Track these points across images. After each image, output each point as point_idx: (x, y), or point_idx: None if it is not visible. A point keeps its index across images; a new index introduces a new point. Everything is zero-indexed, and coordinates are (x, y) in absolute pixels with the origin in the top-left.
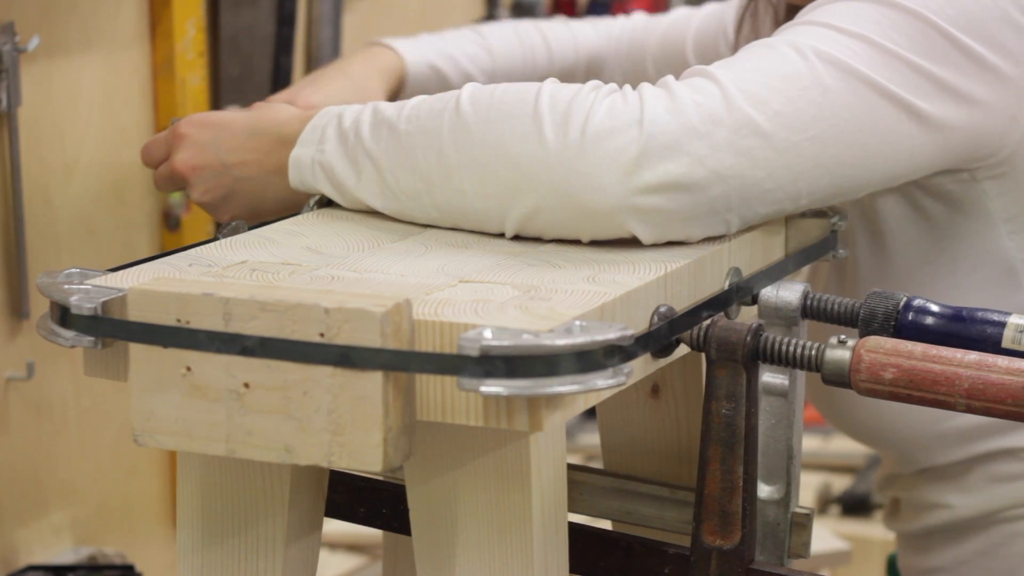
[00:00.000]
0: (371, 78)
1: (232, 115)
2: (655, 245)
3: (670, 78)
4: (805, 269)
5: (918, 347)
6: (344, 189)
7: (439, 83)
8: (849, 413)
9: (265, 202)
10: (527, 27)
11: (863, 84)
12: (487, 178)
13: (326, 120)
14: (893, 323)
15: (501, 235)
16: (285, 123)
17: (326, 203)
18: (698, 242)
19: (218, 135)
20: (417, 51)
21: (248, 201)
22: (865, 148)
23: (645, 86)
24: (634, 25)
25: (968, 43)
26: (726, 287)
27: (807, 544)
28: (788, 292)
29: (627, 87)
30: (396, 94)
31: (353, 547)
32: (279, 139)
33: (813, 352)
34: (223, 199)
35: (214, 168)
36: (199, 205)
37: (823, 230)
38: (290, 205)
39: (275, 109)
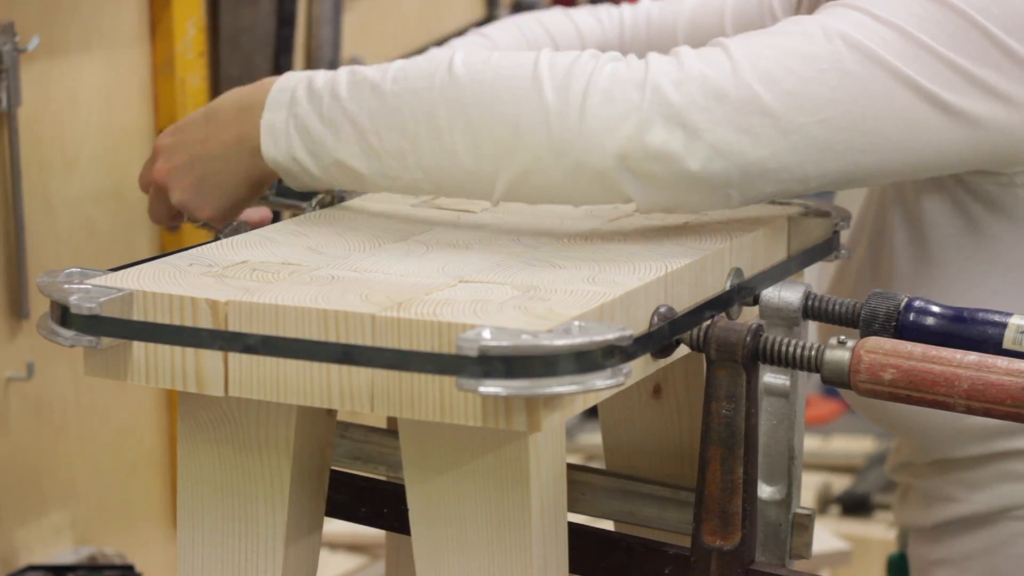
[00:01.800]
0: None
1: (194, 112)
2: (656, 245)
3: (685, 47)
4: (835, 267)
5: (917, 348)
6: (321, 150)
7: None
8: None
9: (231, 179)
10: (529, 22)
11: (887, 73)
12: (481, 138)
13: (293, 83)
14: (894, 324)
15: (482, 215)
16: (242, 94)
17: (327, 203)
18: (700, 242)
19: (184, 134)
20: None
21: (216, 184)
22: (883, 136)
23: (653, 55)
24: (648, 11)
25: (1010, 43)
26: (727, 287)
27: (808, 545)
28: (789, 293)
29: (631, 56)
30: None
31: (353, 547)
32: (237, 110)
33: (812, 353)
34: (195, 191)
35: (184, 164)
36: (181, 209)
37: (826, 231)
38: (255, 178)
39: (233, 90)
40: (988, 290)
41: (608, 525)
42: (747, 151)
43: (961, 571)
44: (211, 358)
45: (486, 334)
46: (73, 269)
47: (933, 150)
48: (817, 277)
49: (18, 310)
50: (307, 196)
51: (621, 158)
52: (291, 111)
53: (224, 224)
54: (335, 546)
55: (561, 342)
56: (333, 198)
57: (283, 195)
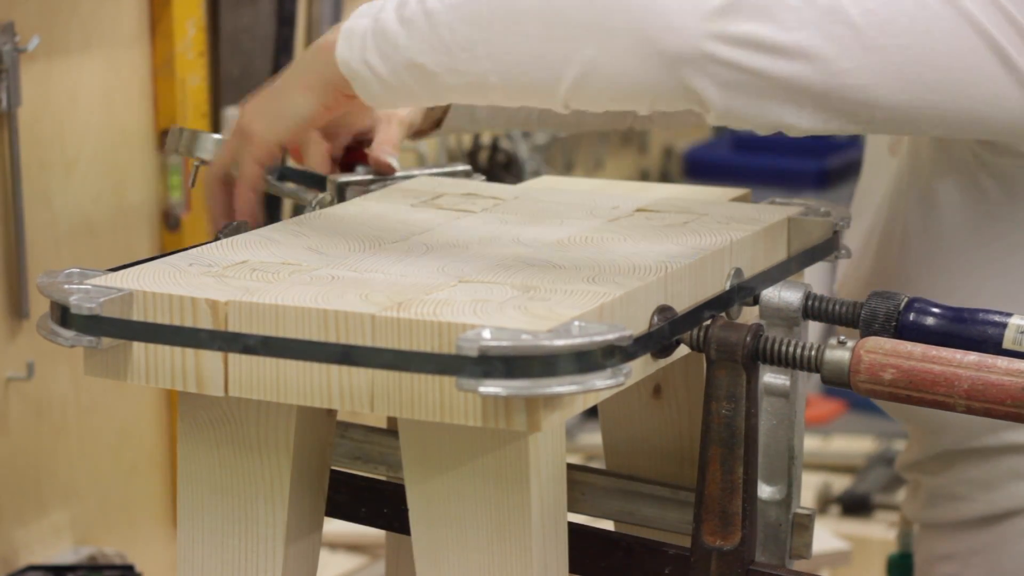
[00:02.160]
0: None
1: None
2: (656, 245)
3: None
4: (845, 266)
5: (917, 348)
6: (393, 51)
7: None
8: None
9: (297, 83)
10: None
11: (961, 16)
12: (557, 20)
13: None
14: (894, 323)
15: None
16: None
17: (327, 203)
18: (700, 242)
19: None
20: None
21: (282, 90)
22: (950, 75)
23: None
24: None
25: None
26: (727, 287)
27: (808, 545)
28: (789, 293)
29: None
30: None
31: (353, 547)
32: (330, 29)
33: (812, 353)
34: (260, 101)
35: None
36: (240, 131)
37: (825, 231)
38: (320, 83)
39: None
40: (1003, 279)
41: (608, 525)
42: (832, 59)
43: (966, 566)
44: (211, 358)
45: (486, 334)
46: (73, 269)
47: (989, 102)
48: (829, 277)
49: (18, 310)
50: (310, 179)
51: (703, 41)
52: (375, 16)
53: (273, 158)
54: (335, 546)
55: (561, 342)
56: (333, 198)
57: (284, 179)
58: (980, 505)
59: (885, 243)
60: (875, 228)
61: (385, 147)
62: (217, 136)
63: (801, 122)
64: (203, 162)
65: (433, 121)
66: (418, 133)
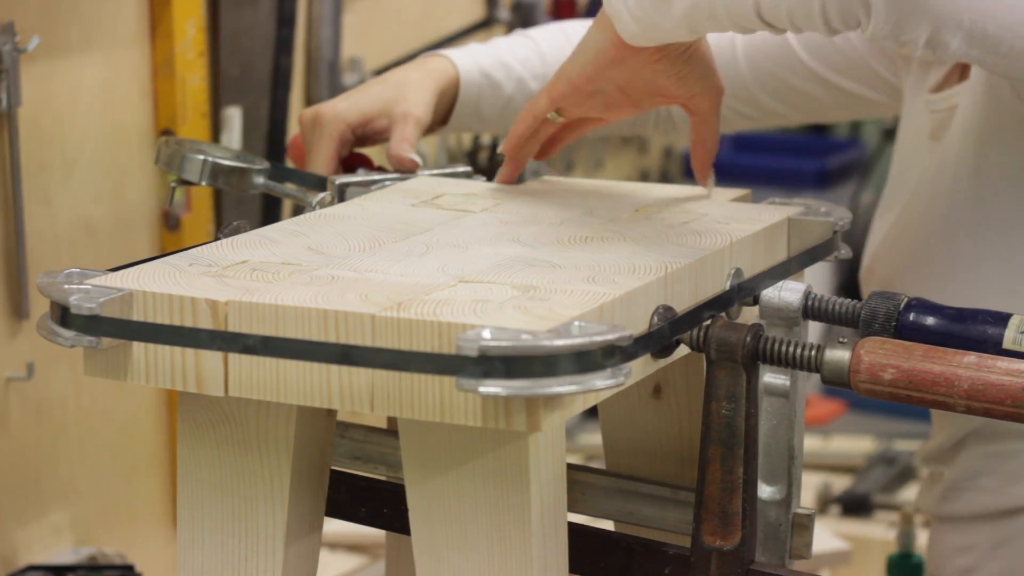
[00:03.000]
0: (411, 79)
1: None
2: (656, 245)
3: None
4: (884, 235)
5: (917, 347)
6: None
7: (492, 89)
8: None
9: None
10: (576, 27)
11: None
12: None
13: None
14: (894, 323)
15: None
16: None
17: (328, 203)
18: (700, 242)
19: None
20: (468, 56)
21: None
22: None
23: None
24: None
25: None
26: (727, 287)
27: (808, 545)
28: (789, 293)
29: None
30: (446, 97)
31: (353, 547)
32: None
33: (812, 353)
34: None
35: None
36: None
37: (825, 231)
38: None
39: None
40: None
41: (608, 525)
42: None
43: (982, 559)
44: (211, 358)
45: (486, 334)
46: (73, 269)
47: None
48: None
49: (18, 310)
50: (310, 179)
51: None
52: None
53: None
54: (335, 546)
55: (561, 342)
56: (333, 198)
57: (284, 179)
58: (1000, 498)
59: (927, 219)
60: (912, 207)
61: (403, 144)
62: (202, 158)
63: (950, 51)
64: (186, 183)
65: (439, 118)
66: (425, 130)
